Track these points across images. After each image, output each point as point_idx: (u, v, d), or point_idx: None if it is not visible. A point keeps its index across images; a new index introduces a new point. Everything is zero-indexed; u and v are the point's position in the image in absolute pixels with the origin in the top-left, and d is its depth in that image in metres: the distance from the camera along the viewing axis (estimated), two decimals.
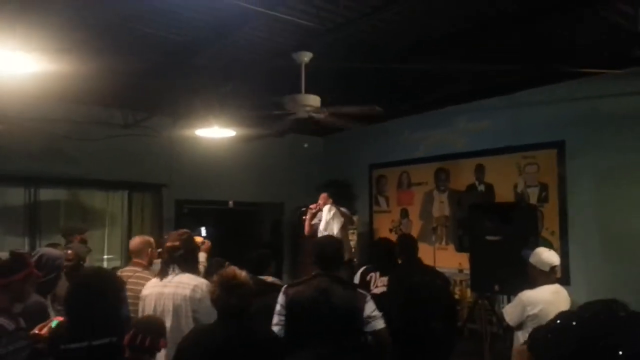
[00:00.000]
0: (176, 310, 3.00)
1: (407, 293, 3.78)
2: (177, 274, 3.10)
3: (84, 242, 5.34)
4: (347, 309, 2.74)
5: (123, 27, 4.02)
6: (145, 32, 4.13)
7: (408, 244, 4.14)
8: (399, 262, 4.17)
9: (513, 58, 4.59)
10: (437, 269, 4.93)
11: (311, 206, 6.12)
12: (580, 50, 4.51)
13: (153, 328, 2.36)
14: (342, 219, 6.00)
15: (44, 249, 3.59)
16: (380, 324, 2.80)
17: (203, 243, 4.25)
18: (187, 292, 3.01)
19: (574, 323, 1.12)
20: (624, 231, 5.04)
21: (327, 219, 6.01)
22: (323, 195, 6.11)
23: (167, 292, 3.06)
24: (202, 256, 4.17)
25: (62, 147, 6.28)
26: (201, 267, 3.92)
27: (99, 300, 2.30)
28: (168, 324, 2.99)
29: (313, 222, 6.10)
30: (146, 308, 3.10)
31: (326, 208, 6.03)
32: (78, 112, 6.30)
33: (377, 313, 2.80)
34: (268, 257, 3.95)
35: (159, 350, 2.34)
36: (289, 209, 8.41)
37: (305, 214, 6.21)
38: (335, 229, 5.91)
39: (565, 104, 5.52)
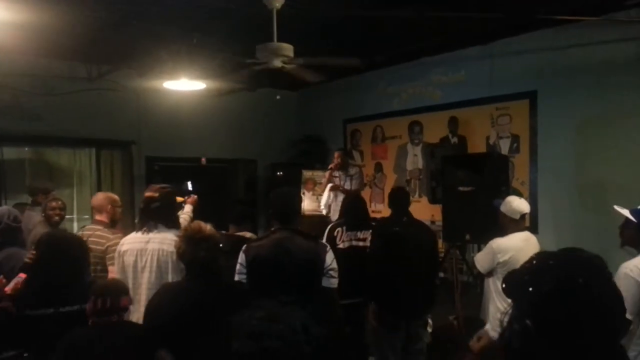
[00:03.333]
0: (160, 267, 2.93)
1: (386, 244, 3.81)
2: (160, 230, 3.01)
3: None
4: (308, 259, 2.76)
5: None
6: None
7: (397, 197, 4.13)
8: (390, 213, 4.16)
9: (490, 6, 4.51)
10: None
11: (330, 166, 6.20)
12: None
13: (111, 289, 2.30)
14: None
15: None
16: (335, 282, 2.82)
17: (185, 200, 4.16)
18: (173, 249, 2.94)
19: (551, 262, 1.12)
20: (593, 181, 5.17)
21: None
22: (338, 154, 6.24)
23: (150, 247, 2.96)
24: (187, 207, 4.11)
25: (23, 103, 6.02)
26: (187, 217, 3.87)
27: (68, 267, 2.22)
28: (146, 279, 2.93)
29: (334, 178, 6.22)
30: (126, 263, 3.01)
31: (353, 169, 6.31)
32: (39, 65, 6.01)
33: (335, 265, 2.82)
34: (248, 211, 3.95)
35: (123, 309, 2.29)
36: (263, 165, 8.34)
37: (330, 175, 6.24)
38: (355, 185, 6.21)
39: (539, 53, 5.51)
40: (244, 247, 2.85)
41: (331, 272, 2.80)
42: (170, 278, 2.90)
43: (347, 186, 6.28)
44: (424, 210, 6.54)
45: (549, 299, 1.04)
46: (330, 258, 2.81)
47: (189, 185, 4.39)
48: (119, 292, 2.30)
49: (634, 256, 2.59)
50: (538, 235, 4.85)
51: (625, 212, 2.68)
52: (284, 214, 2.89)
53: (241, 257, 2.81)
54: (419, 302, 3.82)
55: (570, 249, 1.13)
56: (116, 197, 3.85)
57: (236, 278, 2.78)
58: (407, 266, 3.70)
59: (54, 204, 4.15)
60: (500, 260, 3.40)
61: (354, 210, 4.21)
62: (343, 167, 6.20)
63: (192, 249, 2.36)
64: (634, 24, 4.61)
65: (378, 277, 3.80)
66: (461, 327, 4.52)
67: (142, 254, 2.97)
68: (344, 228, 4.11)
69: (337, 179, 6.20)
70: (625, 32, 4.79)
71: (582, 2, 4.41)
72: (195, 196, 4.24)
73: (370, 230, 4.08)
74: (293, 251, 2.74)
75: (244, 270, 2.78)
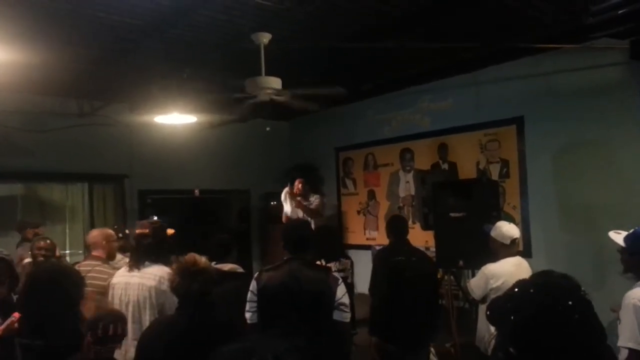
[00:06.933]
0: (140, 302, 2.94)
1: (390, 272, 3.80)
2: (146, 265, 3.03)
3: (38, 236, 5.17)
4: (319, 292, 2.73)
5: (74, 12, 3.84)
6: (97, 17, 3.95)
7: (396, 225, 4.15)
8: (389, 242, 4.15)
9: (472, 35, 4.62)
10: None
11: (289, 190, 6.37)
12: (537, 26, 4.56)
13: (117, 316, 2.33)
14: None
15: None
16: (347, 317, 2.78)
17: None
18: (153, 283, 2.95)
19: (532, 290, 1.14)
20: (582, 203, 5.20)
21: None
22: (299, 180, 6.44)
23: (133, 282, 3.00)
24: None
25: (16, 140, 6.04)
26: None
27: (55, 300, 2.18)
28: (130, 313, 2.93)
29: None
30: (114, 296, 3.06)
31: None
32: (31, 102, 6.06)
33: (347, 300, 2.78)
34: (228, 243, 3.86)
35: (124, 336, 2.31)
36: (257, 195, 8.36)
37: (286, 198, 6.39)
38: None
39: (523, 80, 5.62)
40: (255, 275, 2.84)
41: (342, 307, 2.75)
42: (147, 315, 2.89)
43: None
44: (417, 236, 6.53)
45: (530, 327, 1.06)
46: (341, 292, 2.76)
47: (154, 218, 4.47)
48: (124, 320, 2.34)
49: (628, 280, 2.49)
50: (531, 259, 4.87)
51: (618, 239, 2.52)
52: (295, 244, 2.88)
53: (253, 284, 2.79)
54: (424, 331, 3.80)
55: (546, 273, 1.16)
56: (111, 231, 3.85)
57: (247, 306, 2.76)
58: (411, 296, 3.69)
59: (42, 243, 4.09)
60: (493, 285, 3.40)
61: (330, 242, 4.19)
62: (304, 194, 6.43)
63: (187, 281, 2.37)
64: (611, 50, 4.74)
65: (382, 308, 3.77)
66: (458, 354, 4.48)
67: (127, 288, 3.02)
68: (322, 261, 4.09)
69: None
70: (604, 58, 4.93)
71: (561, 30, 4.53)
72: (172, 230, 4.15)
73: (348, 260, 4.07)
74: (303, 282, 2.72)
75: (255, 298, 2.76)
